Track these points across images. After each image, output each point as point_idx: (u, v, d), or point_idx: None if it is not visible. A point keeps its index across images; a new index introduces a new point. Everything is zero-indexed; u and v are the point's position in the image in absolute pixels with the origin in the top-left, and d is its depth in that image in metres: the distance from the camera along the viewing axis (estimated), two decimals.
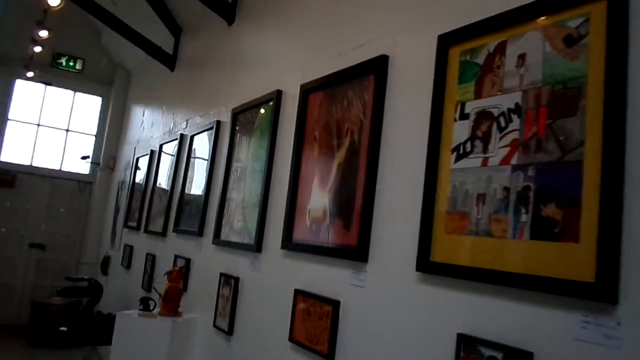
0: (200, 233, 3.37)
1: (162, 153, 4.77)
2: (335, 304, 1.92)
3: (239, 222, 2.84)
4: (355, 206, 1.92)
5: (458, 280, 1.46)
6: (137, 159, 5.65)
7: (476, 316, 1.40)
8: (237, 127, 3.16)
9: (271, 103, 2.74)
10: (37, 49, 5.64)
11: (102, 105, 7.46)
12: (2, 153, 6.77)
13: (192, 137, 3.99)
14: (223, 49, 3.82)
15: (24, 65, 6.27)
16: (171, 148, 4.50)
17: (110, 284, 5.64)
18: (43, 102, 7.10)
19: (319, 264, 2.09)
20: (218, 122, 3.49)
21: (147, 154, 5.22)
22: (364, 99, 2.02)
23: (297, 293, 2.15)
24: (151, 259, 4.35)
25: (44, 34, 5.22)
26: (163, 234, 4.16)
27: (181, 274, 3.06)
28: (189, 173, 3.90)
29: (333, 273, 1.99)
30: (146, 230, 4.69)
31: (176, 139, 4.35)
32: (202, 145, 3.76)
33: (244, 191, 2.86)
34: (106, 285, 5.47)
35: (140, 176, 5.45)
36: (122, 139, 6.96)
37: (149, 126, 5.62)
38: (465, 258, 1.45)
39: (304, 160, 2.33)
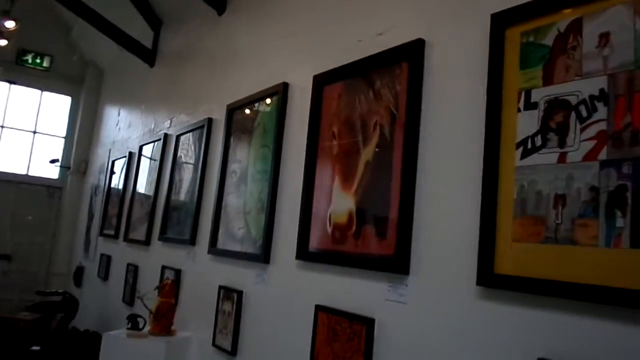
0: (192, 242, 3.10)
1: (142, 155, 4.46)
2: (369, 323, 1.70)
3: (241, 230, 2.59)
4: (391, 210, 1.71)
5: (532, 296, 1.26)
6: (113, 162, 5.31)
7: (557, 338, 1.20)
8: (233, 125, 2.91)
9: (276, 97, 2.50)
10: (2, 42, 5.23)
11: (71, 105, 7.07)
12: None
13: (178, 137, 3.71)
14: (213, 41, 3.56)
15: None
16: (153, 149, 4.21)
17: (86, 297, 5.27)
18: (7, 102, 6.67)
19: (345, 276, 1.86)
20: (209, 120, 3.23)
21: (124, 156, 4.90)
22: (394, 89, 1.81)
23: (319, 309, 1.92)
24: (133, 270, 4.05)
25: (10, 24, 4.82)
26: (146, 242, 3.86)
27: (174, 288, 2.79)
28: (176, 176, 3.63)
29: (363, 287, 1.77)
30: (126, 239, 4.37)
31: (159, 140, 4.06)
32: (189, 145, 3.49)
33: (246, 195, 2.61)
34: (81, 299, 5.10)
35: (116, 180, 5.11)
36: (95, 141, 6.59)
37: (125, 127, 5.29)
38: (540, 270, 1.25)
39: (320, 159, 2.11)
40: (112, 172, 5.28)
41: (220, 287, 2.65)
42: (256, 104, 2.70)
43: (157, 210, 3.83)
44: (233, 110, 2.93)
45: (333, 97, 2.11)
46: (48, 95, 6.95)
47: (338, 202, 1.95)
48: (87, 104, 6.84)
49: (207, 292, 2.79)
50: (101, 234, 5.20)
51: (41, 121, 6.88)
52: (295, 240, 2.12)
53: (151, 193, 4.00)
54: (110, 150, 5.61)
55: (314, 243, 2.04)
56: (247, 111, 2.78)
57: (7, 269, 6.36)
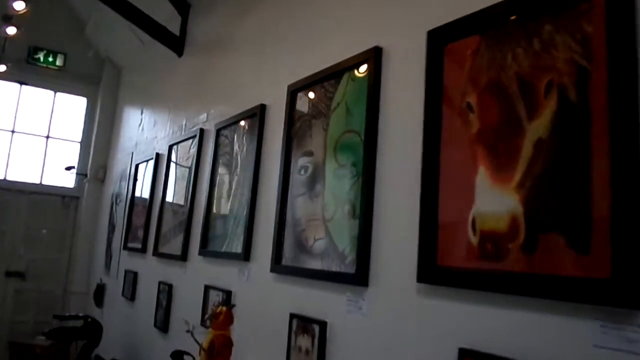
0: (245, 257, 2.56)
1: (173, 156, 3.95)
2: None
3: (319, 242, 2.03)
4: (595, 211, 1.14)
5: None
6: (137, 166, 4.81)
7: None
8: (297, 110, 2.37)
9: (364, 68, 1.96)
10: (11, 30, 4.74)
11: (87, 107, 6.61)
12: None
13: (218, 132, 3.18)
14: (257, 20, 3.03)
15: None
16: (186, 149, 3.69)
17: (108, 320, 4.76)
18: (18, 104, 6.22)
19: (508, 307, 1.29)
20: (262, 107, 2.69)
21: (150, 159, 4.39)
22: (581, 32, 1.24)
23: (467, 355, 1.36)
24: (166, 290, 3.51)
25: (19, 5, 4.31)
26: (182, 257, 3.33)
27: (231, 316, 2.24)
28: (218, 177, 3.09)
29: (551, 325, 1.20)
30: (156, 253, 3.85)
31: (193, 137, 3.54)
32: (234, 140, 2.96)
33: (324, 196, 2.06)
34: (102, 321, 4.58)
35: (141, 186, 4.61)
36: (114, 145, 6.10)
37: (150, 126, 4.78)
38: None
39: (447, 142, 1.55)
40: (136, 178, 4.77)
41: (293, 316, 2.10)
42: (332, 80, 2.15)
43: (195, 218, 3.30)
44: (297, 91, 2.39)
45: (463, 56, 1.55)
46: (62, 96, 6.49)
47: (487, 202, 1.39)
48: (105, 105, 6.37)
49: (273, 322, 2.24)
50: (125, 247, 4.69)
51: (55, 125, 6.42)
52: (413, 255, 1.56)
53: (186, 199, 3.48)
54: (132, 153, 5.11)
55: (446, 259, 1.48)
56: (319, 91, 2.23)
57: (21, 287, 5.88)
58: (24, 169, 6.17)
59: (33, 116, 6.31)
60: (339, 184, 1.98)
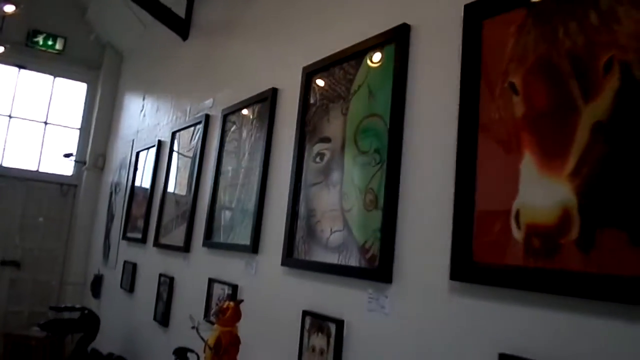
0: (253, 249, 2.42)
1: (176, 143, 3.81)
2: None
3: (336, 234, 1.90)
4: None
5: None
6: (137, 154, 4.67)
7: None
8: (313, 93, 2.23)
9: (389, 47, 1.82)
10: (9, 8, 4.58)
11: (87, 93, 6.46)
12: None
13: (225, 118, 3.04)
14: (267, 1, 2.89)
15: None
16: (190, 136, 3.55)
17: (106, 311, 4.63)
18: (16, 89, 6.07)
19: (560, 310, 1.16)
20: (274, 91, 2.55)
21: (152, 146, 4.25)
22: None
23: None
24: (167, 283, 3.38)
25: None
26: (185, 248, 3.20)
27: (239, 313, 2.10)
28: (224, 165, 2.96)
29: (606, 331, 1.07)
30: (157, 244, 3.72)
31: (198, 123, 3.40)
32: (242, 126, 2.82)
33: (342, 186, 1.92)
34: (100, 313, 4.46)
35: (142, 174, 4.47)
36: (114, 132, 5.96)
37: (152, 112, 4.64)
38: None
39: (486, 127, 1.41)
40: (136, 166, 4.63)
41: (306, 314, 1.97)
42: (353, 61, 2.01)
43: (199, 208, 3.17)
44: (313, 74, 2.25)
45: (506, 32, 1.41)
46: (61, 81, 6.34)
47: (533, 192, 1.26)
48: (105, 91, 6.22)
49: (284, 319, 2.11)
50: (124, 237, 4.56)
51: (53, 111, 6.27)
52: (445, 250, 1.43)
53: (190, 187, 3.35)
54: (133, 141, 4.97)
55: (484, 255, 1.34)
56: (337, 73, 2.10)
57: (16, 277, 5.74)
58: (21, 156, 6.03)
59: (31, 101, 6.15)
60: (359, 172, 1.85)
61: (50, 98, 6.26)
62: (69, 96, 6.38)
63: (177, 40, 4.17)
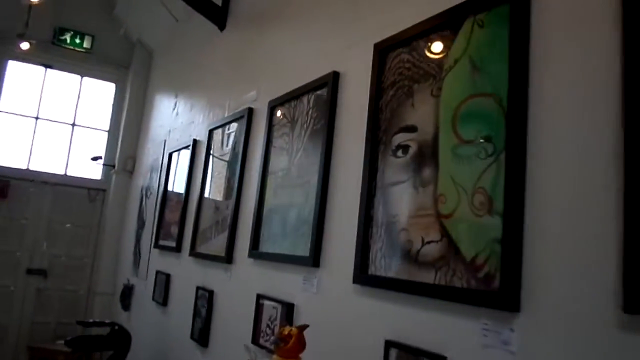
0: (314, 262, 2.05)
1: (214, 140, 3.48)
2: None
3: (432, 245, 1.51)
4: None
5: None
6: (170, 155, 4.37)
7: None
8: (390, 73, 1.86)
9: (503, 6, 1.43)
10: None
11: (116, 93, 6.21)
12: None
13: (272, 110, 2.69)
14: None
15: (17, 34, 5.01)
16: (230, 133, 3.22)
17: (136, 325, 4.33)
18: (42, 89, 5.85)
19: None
20: (335, 76, 2.19)
21: (186, 146, 3.94)
22: None
23: None
24: (206, 297, 3.04)
25: None
26: (227, 259, 2.85)
27: (302, 341, 1.74)
28: (272, 163, 2.61)
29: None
30: (193, 253, 3.39)
31: (240, 117, 3.07)
32: (294, 118, 2.46)
33: (441, 184, 1.54)
34: (129, 326, 4.15)
35: (175, 177, 4.16)
36: (144, 134, 5.69)
37: (186, 110, 4.34)
38: None
39: None
40: (169, 168, 4.33)
41: (389, 345, 1.59)
42: (446, 31, 1.63)
43: (243, 213, 2.82)
44: (388, 50, 1.87)
45: None
46: (89, 81, 6.11)
47: None
48: (135, 91, 5.97)
49: (359, 350, 1.74)
50: (156, 245, 4.25)
51: (81, 112, 6.03)
52: (607, 275, 1.04)
53: (230, 189, 3.01)
54: (164, 141, 4.68)
55: None
56: (423, 46, 1.72)
57: (42, 286, 5.50)
58: (48, 159, 5.80)
59: (58, 102, 5.93)
60: (462, 167, 1.46)
61: (78, 99, 6.03)
62: (97, 97, 6.15)
63: (213, 31, 3.85)
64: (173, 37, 5.16)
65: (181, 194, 3.85)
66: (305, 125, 2.36)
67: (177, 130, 4.40)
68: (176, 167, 4.19)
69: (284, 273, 2.30)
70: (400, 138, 1.75)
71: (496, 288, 1.28)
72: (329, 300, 1.96)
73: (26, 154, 5.69)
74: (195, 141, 3.80)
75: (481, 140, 1.42)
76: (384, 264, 1.69)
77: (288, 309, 2.18)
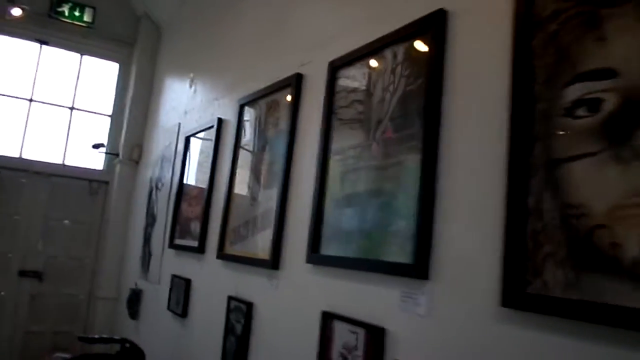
0: (419, 271, 1.48)
1: (245, 118, 2.92)
2: None
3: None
4: None
5: None
6: (187, 140, 3.80)
7: None
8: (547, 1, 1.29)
9: None
10: None
11: (120, 74, 5.64)
12: None
13: (334, 72, 2.13)
14: None
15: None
16: (268, 106, 2.65)
17: (146, 337, 3.76)
18: (37, 68, 5.28)
19: None
20: (440, 15, 1.62)
21: (209, 127, 3.38)
22: None
23: None
24: (243, 310, 2.48)
25: None
26: (273, 264, 2.29)
27: None
28: (335, 141, 2.04)
29: None
30: (222, 255, 2.82)
31: (285, 86, 2.50)
32: (372, 79, 1.90)
33: None
34: (137, 338, 3.59)
35: (195, 165, 3.60)
36: (152, 119, 5.12)
37: (207, 87, 3.77)
38: None
39: None
40: (186, 155, 3.76)
41: None
42: None
43: (293, 205, 2.26)
44: None
45: None
46: (90, 60, 5.53)
47: None
48: (141, 71, 5.38)
49: None
50: (171, 245, 3.69)
51: (81, 94, 5.46)
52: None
53: (272, 177, 2.45)
54: (179, 125, 4.11)
55: None
56: None
57: (38, 291, 4.93)
58: (44, 147, 5.24)
59: (55, 83, 5.36)
60: None
61: (77, 79, 5.45)
62: (98, 77, 5.57)
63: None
64: (184, 9, 4.59)
65: (204, 184, 3.28)
66: (391, 87, 1.79)
67: (195, 110, 3.84)
68: (196, 153, 3.63)
69: (366, 285, 1.73)
70: (580, 89, 1.17)
71: None
72: (451, 329, 1.39)
73: (18, 141, 5.12)
74: (220, 120, 3.24)
75: None
76: (563, 279, 1.12)
77: (376, 335, 1.62)
